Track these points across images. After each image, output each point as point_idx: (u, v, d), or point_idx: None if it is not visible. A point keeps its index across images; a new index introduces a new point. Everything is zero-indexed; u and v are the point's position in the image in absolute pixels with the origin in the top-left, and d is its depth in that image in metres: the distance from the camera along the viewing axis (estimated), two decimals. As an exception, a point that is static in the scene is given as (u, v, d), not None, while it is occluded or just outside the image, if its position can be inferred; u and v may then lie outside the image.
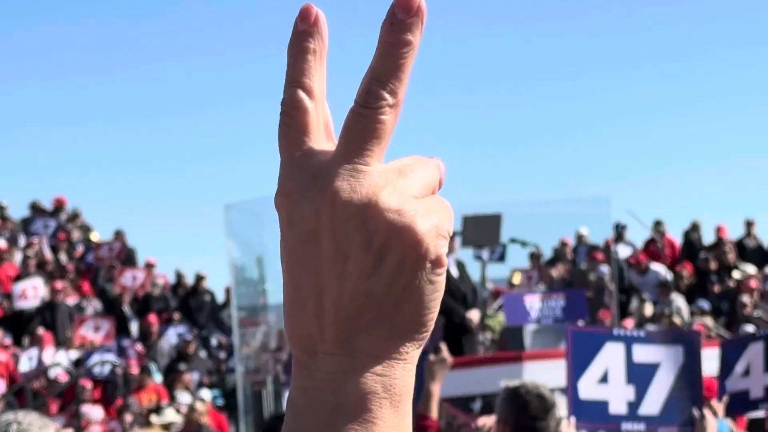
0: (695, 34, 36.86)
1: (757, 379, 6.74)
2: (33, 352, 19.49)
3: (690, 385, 6.29)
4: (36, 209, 23.86)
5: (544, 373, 10.93)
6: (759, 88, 35.87)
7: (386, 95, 0.89)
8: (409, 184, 0.91)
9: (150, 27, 36.48)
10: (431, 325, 0.91)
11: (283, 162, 0.92)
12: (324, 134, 0.93)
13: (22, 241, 22.89)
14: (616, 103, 36.39)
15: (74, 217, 24.26)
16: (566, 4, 37.35)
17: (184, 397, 17.95)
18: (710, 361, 7.09)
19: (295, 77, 0.91)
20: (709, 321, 18.62)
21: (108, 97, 36.06)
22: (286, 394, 16.21)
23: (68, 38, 36.06)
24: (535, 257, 19.69)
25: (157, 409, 17.09)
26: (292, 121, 0.91)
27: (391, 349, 0.90)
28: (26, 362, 19.18)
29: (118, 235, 23.33)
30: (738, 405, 6.79)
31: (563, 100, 36.42)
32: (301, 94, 0.91)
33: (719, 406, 6.58)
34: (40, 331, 19.92)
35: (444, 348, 5.91)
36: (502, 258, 16.38)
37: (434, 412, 5.78)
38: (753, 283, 19.85)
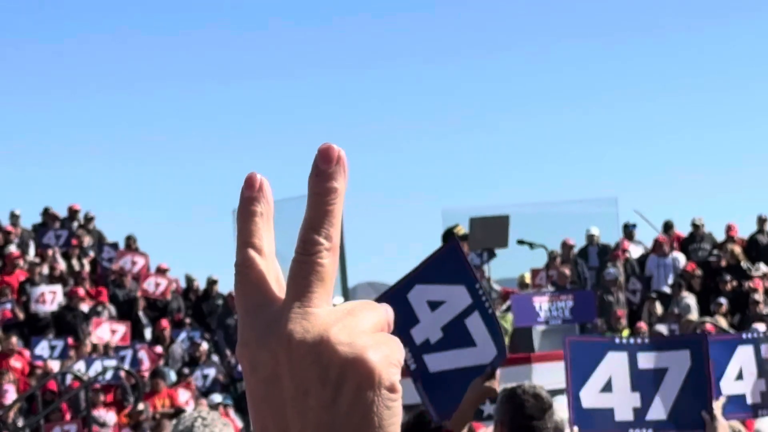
0: (702, 36, 36.82)
1: (752, 385, 6.71)
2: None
3: (699, 388, 6.25)
4: (48, 216, 23.94)
5: (553, 375, 10.94)
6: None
7: (322, 240, 0.98)
8: (358, 322, 0.98)
9: (159, 37, 36.59)
10: None
11: (240, 315, 1.00)
12: (276, 286, 1.01)
13: (32, 248, 22.99)
14: (622, 103, 36.38)
15: (88, 221, 24.33)
16: (572, 6, 37.34)
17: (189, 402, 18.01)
18: None
19: (246, 239, 1.01)
20: (721, 320, 18.59)
21: (118, 105, 36.16)
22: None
23: (79, 48, 36.20)
24: (552, 257, 19.68)
25: (175, 414, 17.12)
26: (246, 278, 1.00)
27: None
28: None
29: (130, 241, 23.39)
30: (736, 409, 6.76)
31: (570, 102, 36.41)
32: (252, 254, 1.00)
33: (717, 406, 6.56)
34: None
35: (498, 377, 5.80)
36: (492, 255, 16.34)
37: None
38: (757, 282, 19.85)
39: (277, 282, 1.01)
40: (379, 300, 5.93)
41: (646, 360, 6.28)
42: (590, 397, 6.21)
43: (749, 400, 6.67)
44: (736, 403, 6.64)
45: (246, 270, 1.00)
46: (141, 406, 17.38)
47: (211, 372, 20.26)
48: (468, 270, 5.95)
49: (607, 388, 6.24)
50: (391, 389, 0.97)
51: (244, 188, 1.01)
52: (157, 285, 22.38)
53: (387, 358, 0.97)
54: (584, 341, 6.81)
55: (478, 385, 5.69)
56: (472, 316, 5.85)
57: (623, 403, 6.24)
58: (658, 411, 6.23)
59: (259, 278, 1.00)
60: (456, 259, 5.91)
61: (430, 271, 5.85)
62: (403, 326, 5.73)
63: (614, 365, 6.26)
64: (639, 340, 6.47)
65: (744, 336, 6.92)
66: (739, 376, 6.67)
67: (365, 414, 0.96)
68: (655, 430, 6.26)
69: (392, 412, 0.97)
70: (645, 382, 6.25)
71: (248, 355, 0.98)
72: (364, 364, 0.95)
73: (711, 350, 6.74)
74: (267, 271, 1.00)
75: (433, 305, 5.85)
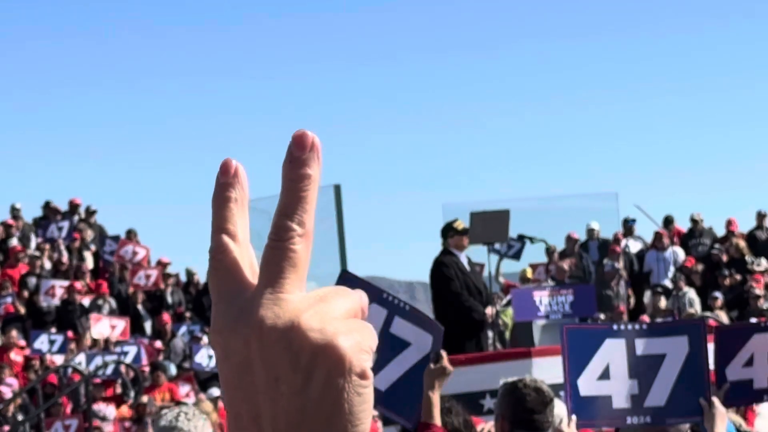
0: (701, 35, 36.86)
1: (761, 369, 6.69)
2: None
3: (697, 375, 6.22)
4: (49, 210, 23.95)
5: (553, 369, 10.94)
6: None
7: (295, 227, 0.98)
8: (330, 308, 0.99)
9: (160, 35, 36.65)
10: None
11: (213, 302, 1.00)
12: (249, 273, 1.00)
13: (33, 240, 23.00)
14: (623, 100, 36.47)
15: (89, 215, 24.31)
16: (573, 5, 37.40)
17: (187, 395, 18.06)
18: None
19: (220, 225, 1.01)
20: (722, 315, 18.61)
21: (120, 101, 36.25)
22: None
23: (80, 46, 36.25)
24: (550, 252, 19.68)
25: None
26: (220, 265, 1.00)
27: None
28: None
29: (131, 234, 23.40)
30: (740, 394, 6.74)
31: (571, 99, 36.47)
32: (226, 239, 1.00)
33: (718, 394, 6.54)
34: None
35: (445, 356, 5.88)
36: (517, 255, 16.36)
37: (438, 419, 5.75)
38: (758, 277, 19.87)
39: (251, 268, 1.01)
40: None
41: (644, 346, 6.24)
42: (588, 385, 6.18)
43: (756, 385, 6.65)
44: (741, 389, 6.62)
45: (220, 256, 1.00)
46: (145, 399, 17.41)
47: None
48: (369, 286, 6.04)
49: (605, 375, 6.21)
50: (362, 376, 0.97)
51: (219, 174, 1.01)
52: (148, 277, 22.36)
53: (358, 344, 0.97)
54: (582, 329, 6.77)
55: (430, 372, 5.77)
56: (395, 323, 5.92)
57: (621, 391, 6.20)
58: (656, 398, 6.20)
59: (232, 265, 1.00)
60: (353, 285, 5.99)
61: None
62: None
63: (612, 352, 6.22)
64: (637, 327, 6.44)
65: (762, 324, 6.91)
66: (749, 363, 6.65)
67: (336, 400, 0.96)
68: (652, 417, 6.24)
69: (363, 399, 0.97)
70: (643, 369, 6.22)
71: (221, 342, 0.98)
72: (334, 350, 0.96)
73: (724, 338, 6.72)
74: (241, 257, 1.00)
75: None
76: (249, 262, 1.01)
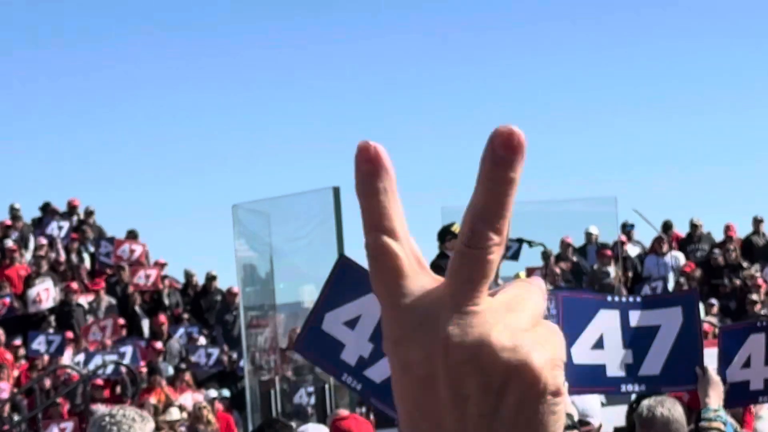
0: (700, 36, 36.85)
1: (757, 371, 6.69)
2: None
3: (691, 344, 6.19)
4: (48, 210, 23.93)
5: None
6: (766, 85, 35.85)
7: (493, 235, 0.88)
8: (519, 319, 0.90)
9: (161, 32, 36.62)
10: None
11: (385, 308, 0.90)
12: (418, 269, 0.91)
13: (32, 241, 22.98)
14: (622, 103, 36.43)
15: (88, 216, 24.31)
16: (569, 6, 37.41)
17: (185, 397, 18.07)
18: (714, 359, 7.02)
19: (374, 222, 0.89)
20: (714, 320, 18.63)
21: (116, 100, 36.20)
22: (294, 394, 16.26)
23: (78, 44, 36.26)
24: (547, 256, 19.68)
25: (163, 409, 17.19)
26: (384, 266, 0.90)
27: None
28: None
29: (131, 234, 23.38)
30: (738, 396, 6.74)
31: (569, 101, 36.45)
32: (386, 239, 0.89)
33: (719, 391, 6.56)
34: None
35: None
36: (515, 256, 16.39)
37: None
38: (760, 281, 19.86)
39: (420, 264, 0.91)
40: (297, 343, 5.86)
41: (638, 318, 6.17)
42: (581, 353, 6.09)
43: (752, 387, 6.66)
44: (739, 390, 6.63)
45: (382, 257, 0.89)
46: (153, 400, 17.43)
47: (215, 352, 20.40)
48: (367, 275, 5.77)
49: (599, 345, 6.10)
50: (556, 393, 0.89)
51: (360, 161, 0.89)
52: (147, 277, 22.32)
53: (552, 361, 0.89)
54: (577, 298, 6.65)
55: None
56: None
57: (615, 360, 6.11)
58: (650, 367, 6.14)
59: (398, 265, 0.89)
60: (351, 272, 5.67)
61: (332, 296, 5.67)
62: (331, 357, 5.59)
63: (606, 323, 6.12)
64: (631, 299, 6.37)
65: (758, 324, 6.91)
66: (747, 364, 6.64)
67: (529, 422, 0.88)
68: (647, 385, 6.20)
69: (557, 417, 0.89)
70: (637, 339, 6.14)
71: (399, 354, 0.89)
72: (529, 370, 0.87)
73: (727, 338, 6.71)
74: (406, 256, 0.90)
75: (351, 324, 5.65)
76: (415, 257, 0.91)
